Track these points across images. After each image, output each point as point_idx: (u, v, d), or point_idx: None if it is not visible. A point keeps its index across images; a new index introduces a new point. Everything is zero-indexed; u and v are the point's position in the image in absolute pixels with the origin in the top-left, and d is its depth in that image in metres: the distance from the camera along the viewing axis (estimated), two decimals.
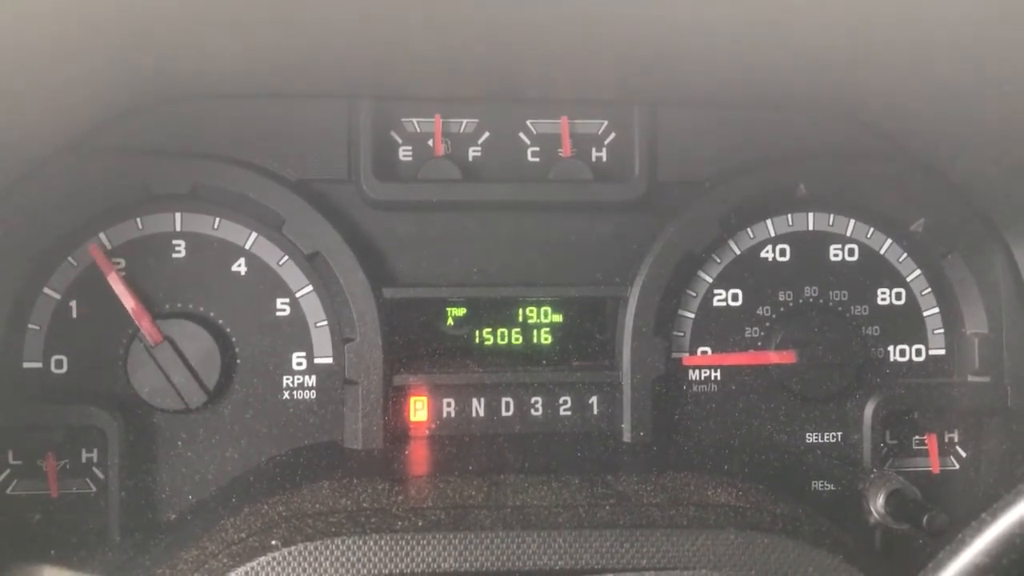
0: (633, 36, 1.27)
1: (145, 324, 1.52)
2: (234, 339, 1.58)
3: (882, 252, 1.69)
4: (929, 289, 1.69)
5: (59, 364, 1.55)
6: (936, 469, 1.66)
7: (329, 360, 1.60)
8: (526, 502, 1.22)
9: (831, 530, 1.26)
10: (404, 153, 1.61)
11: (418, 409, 1.62)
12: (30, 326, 1.54)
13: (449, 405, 1.63)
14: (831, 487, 1.62)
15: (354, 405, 1.55)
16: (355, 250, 1.55)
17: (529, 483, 1.31)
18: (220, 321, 1.58)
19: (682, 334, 1.65)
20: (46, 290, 1.54)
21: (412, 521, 1.16)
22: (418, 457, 1.55)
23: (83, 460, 1.55)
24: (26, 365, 1.54)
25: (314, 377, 1.60)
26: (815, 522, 1.26)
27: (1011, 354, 1.62)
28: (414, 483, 1.37)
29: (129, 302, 1.52)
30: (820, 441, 1.66)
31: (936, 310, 1.69)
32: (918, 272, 1.69)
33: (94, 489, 1.55)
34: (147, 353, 1.52)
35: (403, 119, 1.61)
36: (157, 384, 1.51)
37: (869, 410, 1.61)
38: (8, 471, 1.54)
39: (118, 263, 1.56)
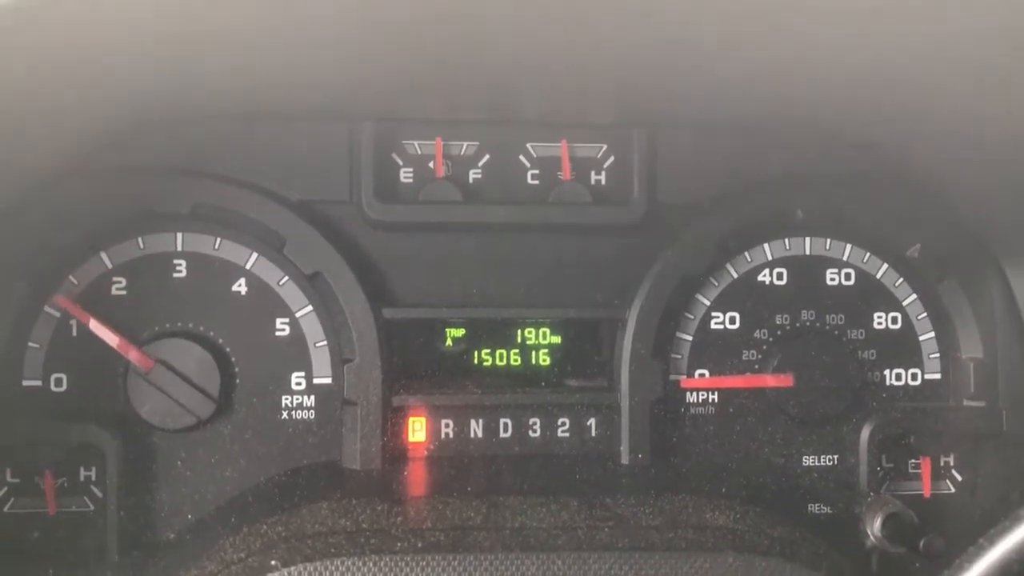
0: (633, 61, 1.28)
1: (133, 355, 1.52)
2: (234, 359, 1.58)
3: (878, 276, 1.70)
4: (925, 314, 1.70)
5: (59, 382, 1.55)
6: (927, 493, 1.66)
7: (328, 380, 1.60)
8: (525, 524, 1.23)
9: (828, 553, 1.27)
10: (405, 175, 1.62)
11: (416, 430, 1.62)
12: (30, 344, 1.55)
13: (448, 426, 1.63)
14: (828, 510, 1.63)
15: (353, 425, 1.56)
16: (355, 271, 1.56)
17: (528, 504, 1.32)
18: (220, 341, 1.58)
19: (680, 356, 1.66)
20: (47, 308, 1.55)
21: (411, 542, 1.16)
22: (417, 478, 1.55)
23: (81, 478, 1.55)
24: (26, 383, 1.54)
25: (313, 397, 1.60)
26: (812, 545, 1.26)
27: (1006, 379, 1.63)
28: (413, 504, 1.38)
29: (112, 339, 1.52)
30: (817, 464, 1.66)
31: (932, 335, 1.70)
32: (914, 297, 1.70)
33: (92, 507, 1.55)
34: (145, 380, 1.52)
35: (404, 141, 1.62)
36: (162, 406, 1.52)
37: (865, 433, 1.61)
38: (6, 489, 1.54)
39: (119, 282, 1.56)
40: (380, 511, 1.30)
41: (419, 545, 1.15)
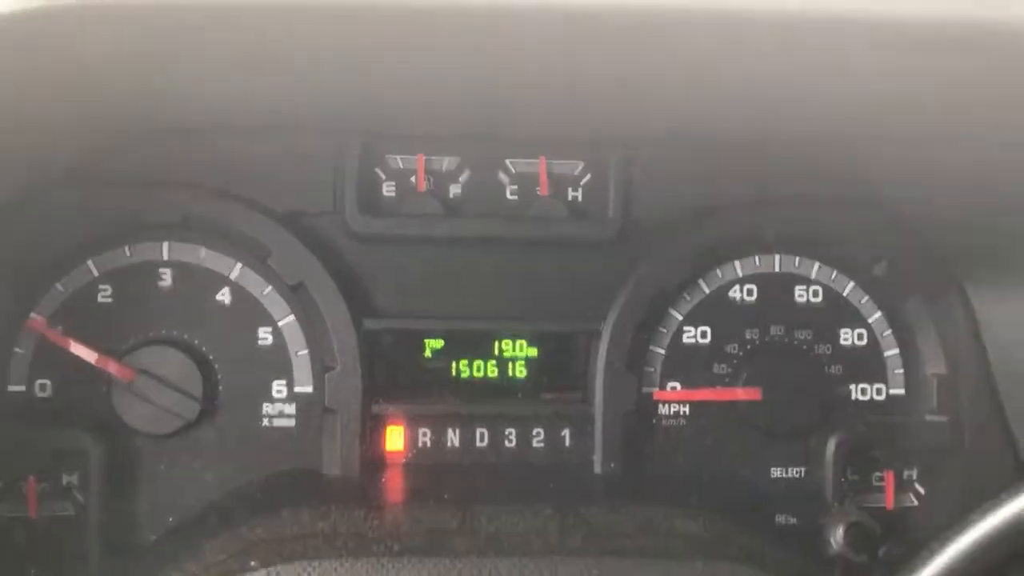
0: (611, 85, 1.33)
1: (113, 368, 1.54)
2: (216, 367, 1.61)
3: (845, 294, 1.74)
4: (890, 330, 1.74)
5: (43, 388, 1.57)
6: (890, 505, 1.71)
7: (309, 389, 1.63)
8: (499, 529, 1.26)
9: (793, 561, 1.31)
10: (388, 188, 1.66)
11: (395, 438, 1.65)
12: (16, 350, 1.57)
13: (425, 435, 1.66)
14: (794, 520, 1.67)
15: (333, 433, 1.59)
16: (338, 282, 1.59)
17: (503, 512, 1.35)
18: (203, 349, 1.61)
19: (653, 369, 1.70)
20: (33, 315, 1.57)
21: (388, 545, 1.19)
22: (394, 485, 1.58)
23: (64, 483, 1.57)
24: (10, 388, 1.57)
25: (294, 405, 1.63)
26: (778, 553, 1.31)
27: (968, 395, 1.68)
28: (390, 510, 1.41)
29: (91, 356, 1.54)
30: (784, 476, 1.71)
31: (896, 351, 1.74)
32: (879, 314, 1.74)
33: (74, 512, 1.57)
34: (129, 390, 1.55)
35: (388, 156, 1.66)
36: (146, 413, 1.54)
37: (831, 446, 1.65)
38: None
39: (104, 289, 1.59)
40: (358, 516, 1.32)
41: (395, 548, 1.18)
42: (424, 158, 1.66)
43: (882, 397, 1.74)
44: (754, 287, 1.73)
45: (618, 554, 1.20)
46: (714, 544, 1.25)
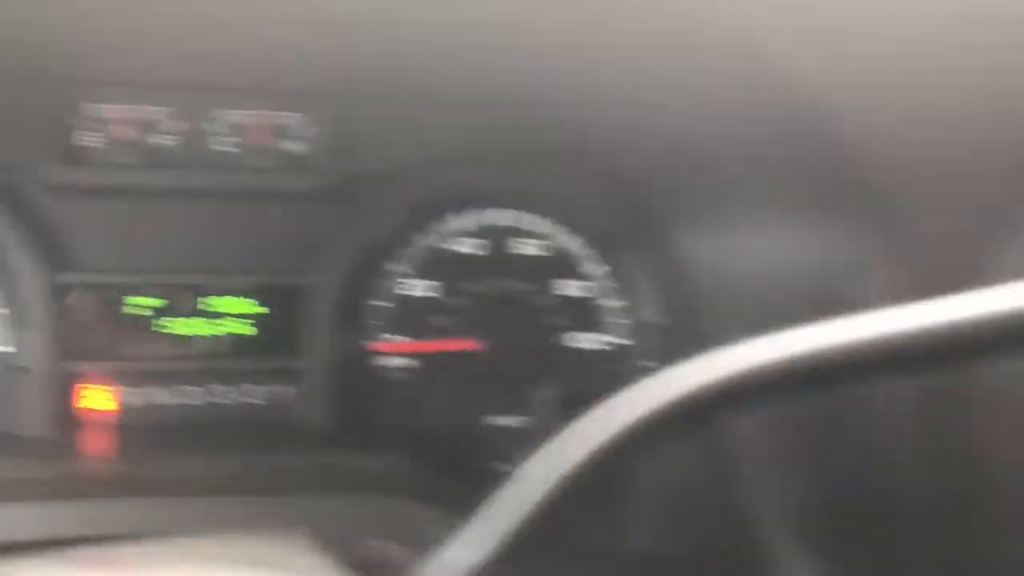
0: (325, 30, 1.31)
1: None
2: None
3: (570, 248, 1.77)
4: (610, 282, 1.78)
5: None
6: None
7: (3, 348, 1.55)
8: (158, 477, 1.23)
9: (475, 498, 1.32)
10: (87, 137, 1.59)
11: (97, 398, 1.59)
12: None
13: (129, 393, 1.60)
14: (512, 468, 1.69)
15: (28, 394, 1.52)
16: (30, 235, 1.53)
17: (178, 463, 1.33)
18: None
19: (374, 322, 1.69)
20: None
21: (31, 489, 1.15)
22: (96, 446, 1.53)
23: None
24: None
25: None
26: (463, 492, 1.31)
27: (680, 343, 1.73)
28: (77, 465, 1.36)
29: None
30: (506, 424, 1.73)
31: (616, 301, 1.78)
32: (600, 266, 1.78)
33: None
34: None
35: (87, 103, 1.58)
36: None
37: (552, 395, 1.69)
38: None
39: None
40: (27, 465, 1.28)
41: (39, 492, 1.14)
42: (128, 105, 1.59)
43: (603, 346, 1.78)
44: (478, 240, 1.74)
45: (278, 492, 1.19)
46: (379, 480, 1.25)
